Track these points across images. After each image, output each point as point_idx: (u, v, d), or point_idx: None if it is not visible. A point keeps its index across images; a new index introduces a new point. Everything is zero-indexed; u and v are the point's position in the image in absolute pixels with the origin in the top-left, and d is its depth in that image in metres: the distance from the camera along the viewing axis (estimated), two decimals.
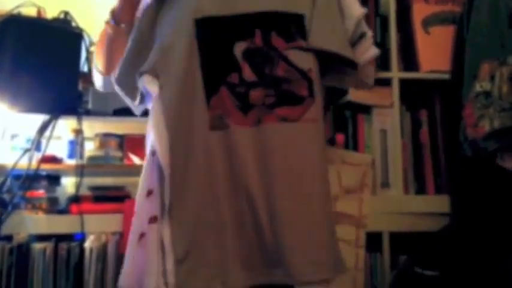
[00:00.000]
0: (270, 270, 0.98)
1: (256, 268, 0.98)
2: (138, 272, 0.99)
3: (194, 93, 1.00)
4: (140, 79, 1.03)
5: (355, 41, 1.11)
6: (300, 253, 0.98)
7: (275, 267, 0.98)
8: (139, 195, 1.03)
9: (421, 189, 1.69)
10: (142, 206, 1.01)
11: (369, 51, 1.13)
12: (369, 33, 1.14)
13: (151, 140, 1.04)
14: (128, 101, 1.12)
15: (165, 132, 1.00)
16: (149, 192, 1.01)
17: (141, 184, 1.04)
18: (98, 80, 1.23)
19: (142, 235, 0.99)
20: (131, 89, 1.08)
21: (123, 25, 1.13)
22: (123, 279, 1.00)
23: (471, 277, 1.26)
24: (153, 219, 0.99)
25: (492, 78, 1.38)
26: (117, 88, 1.11)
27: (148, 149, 1.06)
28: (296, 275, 0.97)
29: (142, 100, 1.10)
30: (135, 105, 1.11)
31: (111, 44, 1.15)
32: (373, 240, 1.60)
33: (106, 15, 1.16)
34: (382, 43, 1.74)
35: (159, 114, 1.01)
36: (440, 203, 1.63)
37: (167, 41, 1.03)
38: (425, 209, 1.63)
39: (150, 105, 1.07)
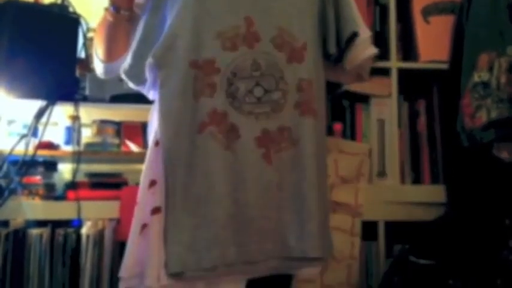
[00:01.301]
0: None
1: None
2: (139, 263, 0.98)
3: None
4: (146, 69, 1.04)
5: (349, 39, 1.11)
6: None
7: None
8: (142, 185, 1.03)
9: (417, 179, 1.69)
10: (144, 196, 1.01)
11: (367, 49, 1.12)
12: (366, 34, 1.12)
13: (154, 129, 1.04)
14: (141, 90, 1.11)
15: (169, 125, 1.00)
16: (152, 183, 1.00)
17: (143, 174, 1.03)
18: (98, 67, 1.22)
19: (144, 226, 0.99)
20: (142, 80, 1.08)
21: (122, 11, 1.11)
22: (124, 270, 0.99)
23: (466, 266, 1.27)
24: (155, 210, 0.98)
25: (491, 68, 1.38)
26: (127, 79, 1.10)
27: (151, 138, 1.06)
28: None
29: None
30: (147, 93, 1.11)
31: (112, 31, 1.14)
32: (368, 229, 1.61)
33: (104, 1, 1.14)
34: (381, 32, 1.73)
35: (162, 107, 1.02)
36: (436, 193, 1.64)
37: (171, 33, 1.03)
38: (421, 199, 1.64)
39: (153, 93, 1.08)
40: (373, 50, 1.13)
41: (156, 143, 1.02)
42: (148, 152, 1.05)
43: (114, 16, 1.11)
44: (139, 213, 1.01)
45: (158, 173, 1.00)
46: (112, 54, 1.15)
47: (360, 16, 1.13)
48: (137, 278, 0.98)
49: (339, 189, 1.58)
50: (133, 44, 1.07)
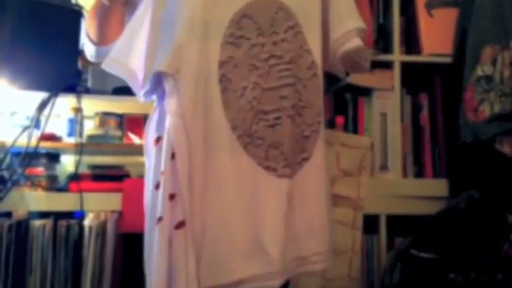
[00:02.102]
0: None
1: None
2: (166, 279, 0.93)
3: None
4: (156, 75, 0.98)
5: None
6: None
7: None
8: (149, 192, 0.99)
9: (419, 173, 1.69)
10: (161, 207, 0.95)
11: (350, 41, 1.09)
12: (356, 25, 1.09)
13: (169, 139, 0.97)
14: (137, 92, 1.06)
15: (183, 140, 0.95)
16: (172, 196, 0.95)
17: (150, 179, 1.00)
18: (89, 50, 1.20)
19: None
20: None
21: None
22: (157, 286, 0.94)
23: (467, 260, 1.27)
24: (180, 225, 0.94)
25: (494, 62, 1.38)
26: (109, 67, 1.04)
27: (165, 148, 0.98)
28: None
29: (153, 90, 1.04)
30: (141, 95, 1.04)
31: (106, 15, 1.12)
32: (370, 223, 1.61)
33: None
34: (384, 25, 1.72)
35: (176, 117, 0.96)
36: (438, 187, 1.64)
37: (179, 37, 0.98)
38: (423, 193, 1.64)
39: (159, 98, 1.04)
40: (355, 43, 1.09)
41: (172, 156, 0.95)
42: (153, 155, 1.01)
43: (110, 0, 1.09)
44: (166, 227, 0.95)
45: (177, 185, 0.95)
46: (105, 37, 1.14)
47: (350, 6, 1.11)
48: None
49: (340, 182, 1.58)
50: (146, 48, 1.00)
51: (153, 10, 1.01)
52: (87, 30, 1.18)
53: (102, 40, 1.15)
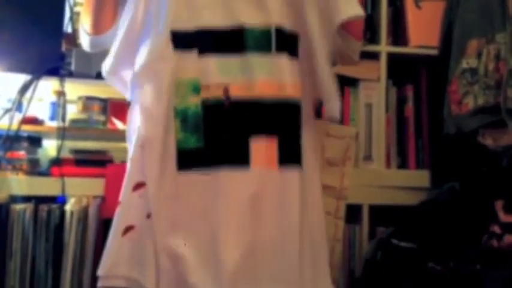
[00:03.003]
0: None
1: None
2: (123, 264, 0.96)
3: None
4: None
5: None
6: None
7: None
8: (126, 185, 0.99)
9: (402, 164, 1.71)
10: (130, 197, 0.98)
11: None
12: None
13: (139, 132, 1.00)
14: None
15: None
16: (139, 185, 0.97)
17: (129, 173, 1.00)
18: (84, 41, 1.19)
19: (129, 228, 0.96)
20: (124, 82, 1.10)
21: None
22: (103, 268, 0.96)
23: (446, 250, 1.29)
24: (148, 216, 0.96)
25: (479, 55, 1.38)
26: (109, 79, 1.10)
27: (135, 137, 1.02)
28: None
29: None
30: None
31: (99, 3, 1.11)
32: (353, 212, 1.62)
33: None
34: (372, 16, 1.72)
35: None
36: (421, 178, 1.65)
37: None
38: (406, 183, 1.65)
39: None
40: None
41: (142, 146, 0.99)
42: (133, 152, 1.01)
43: None
44: (123, 215, 0.98)
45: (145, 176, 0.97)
46: (99, 26, 1.13)
47: None
48: (121, 280, 0.96)
49: (324, 171, 1.59)
50: (117, 43, 1.06)
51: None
52: (81, 20, 1.17)
53: (97, 29, 1.14)
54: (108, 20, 1.12)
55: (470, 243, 1.29)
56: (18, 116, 1.54)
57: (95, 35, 1.15)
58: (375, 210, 1.64)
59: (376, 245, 1.48)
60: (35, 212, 1.47)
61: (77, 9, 1.69)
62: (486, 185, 1.38)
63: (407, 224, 1.46)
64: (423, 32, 1.73)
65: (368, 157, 1.67)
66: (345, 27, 1.08)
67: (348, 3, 1.05)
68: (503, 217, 1.27)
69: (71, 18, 1.68)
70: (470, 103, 1.40)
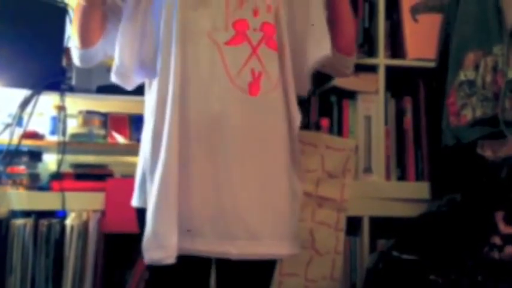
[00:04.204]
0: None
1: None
2: None
3: None
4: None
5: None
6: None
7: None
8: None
9: (402, 176, 1.71)
10: None
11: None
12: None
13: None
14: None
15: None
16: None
17: None
18: (75, 55, 1.20)
19: None
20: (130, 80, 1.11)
21: None
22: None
23: (447, 262, 1.28)
24: None
25: (477, 67, 1.39)
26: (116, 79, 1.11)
27: None
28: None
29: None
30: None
31: (85, 16, 1.12)
32: (353, 224, 1.62)
33: None
34: (369, 29, 1.74)
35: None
36: (420, 190, 1.65)
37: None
38: (406, 195, 1.65)
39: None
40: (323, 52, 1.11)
41: None
42: None
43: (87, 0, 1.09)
44: None
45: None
46: (87, 40, 1.14)
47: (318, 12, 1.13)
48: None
49: (325, 184, 1.59)
50: (122, 40, 1.08)
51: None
52: (72, 36, 1.19)
53: (85, 43, 1.15)
54: (96, 34, 1.13)
55: (471, 255, 1.28)
56: (18, 131, 1.54)
57: (83, 48, 1.16)
58: (375, 222, 1.64)
59: (377, 258, 1.47)
60: (35, 227, 1.46)
61: None
62: (486, 197, 1.38)
63: (408, 236, 1.46)
64: (420, 44, 1.74)
65: (368, 169, 1.68)
66: (334, 45, 1.11)
67: (317, 45, 1.10)
68: (503, 228, 1.26)
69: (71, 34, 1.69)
70: (468, 115, 1.40)
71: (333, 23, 1.15)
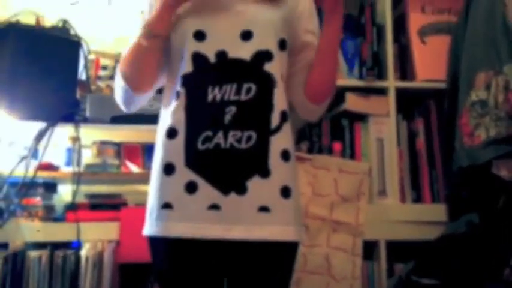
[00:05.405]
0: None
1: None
2: None
3: None
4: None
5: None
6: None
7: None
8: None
9: (417, 198, 1.69)
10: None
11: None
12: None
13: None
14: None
15: None
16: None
17: None
18: (120, 96, 1.11)
19: None
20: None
21: (157, 36, 1.03)
22: None
23: (468, 285, 1.26)
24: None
25: (488, 87, 1.39)
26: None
27: None
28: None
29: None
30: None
31: (144, 58, 1.05)
32: (369, 249, 1.60)
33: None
34: (378, 52, 1.75)
35: None
36: (437, 212, 1.63)
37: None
38: (422, 218, 1.63)
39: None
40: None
41: None
42: None
43: (150, 42, 1.02)
44: None
45: None
46: (142, 83, 1.09)
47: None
48: None
49: (339, 208, 1.58)
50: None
51: None
52: (120, 74, 1.09)
53: (139, 86, 1.08)
54: (153, 75, 1.09)
55: (491, 278, 1.26)
56: (34, 163, 1.56)
57: (136, 92, 1.09)
58: (391, 246, 1.61)
59: (396, 283, 1.44)
60: (51, 259, 1.47)
61: (91, 56, 1.74)
62: (505, 217, 1.35)
63: (427, 259, 1.43)
64: (429, 66, 1.75)
65: (382, 192, 1.66)
66: (304, 90, 1.11)
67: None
68: None
69: (85, 66, 1.73)
70: (482, 135, 1.39)
71: (311, 66, 1.11)
